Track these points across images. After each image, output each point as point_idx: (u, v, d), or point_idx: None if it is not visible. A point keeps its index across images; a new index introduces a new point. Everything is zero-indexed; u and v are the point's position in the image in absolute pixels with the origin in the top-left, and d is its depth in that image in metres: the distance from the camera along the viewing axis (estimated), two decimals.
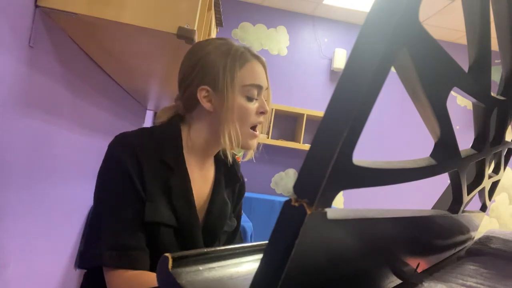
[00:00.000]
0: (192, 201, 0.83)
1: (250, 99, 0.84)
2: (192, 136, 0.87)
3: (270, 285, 0.22)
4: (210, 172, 0.93)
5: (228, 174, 0.96)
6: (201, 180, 0.89)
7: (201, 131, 0.87)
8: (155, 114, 2.95)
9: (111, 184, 0.78)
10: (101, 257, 0.73)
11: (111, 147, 0.80)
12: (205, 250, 0.33)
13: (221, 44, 0.84)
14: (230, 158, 0.93)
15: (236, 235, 1.03)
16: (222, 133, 0.81)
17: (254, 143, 0.87)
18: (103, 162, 0.80)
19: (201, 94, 0.83)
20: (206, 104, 0.83)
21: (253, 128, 0.86)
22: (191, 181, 0.84)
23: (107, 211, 0.77)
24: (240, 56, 0.83)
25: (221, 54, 0.82)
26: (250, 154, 0.93)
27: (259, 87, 0.85)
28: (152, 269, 0.76)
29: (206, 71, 0.82)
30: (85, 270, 0.89)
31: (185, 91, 0.86)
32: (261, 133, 0.92)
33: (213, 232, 0.87)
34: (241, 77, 0.82)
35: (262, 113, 0.86)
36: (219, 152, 0.94)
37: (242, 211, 1.09)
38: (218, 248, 0.35)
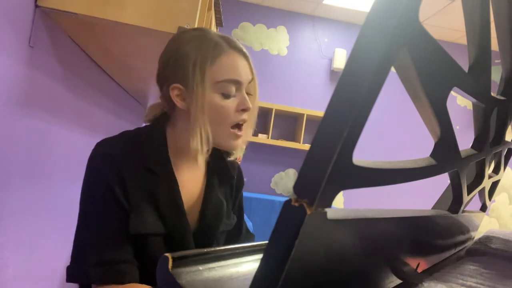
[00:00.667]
0: (180, 206, 0.79)
1: (226, 96, 0.75)
2: (176, 137, 0.81)
3: (270, 285, 0.22)
4: (200, 172, 0.88)
5: (220, 172, 0.90)
6: (191, 182, 0.85)
7: (182, 131, 0.80)
8: None
9: (93, 198, 0.75)
10: (88, 275, 0.71)
11: (91, 158, 0.76)
12: (205, 250, 0.33)
13: (194, 36, 0.77)
14: (204, 156, 0.80)
15: (241, 229, 0.99)
16: (190, 134, 0.74)
17: (237, 143, 0.79)
18: (85, 173, 0.77)
19: (174, 93, 0.76)
20: (179, 103, 0.77)
21: (236, 127, 0.78)
22: (180, 184, 0.80)
23: (91, 226, 0.74)
24: (214, 48, 0.74)
25: (193, 48, 0.75)
26: (237, 154, 0.87)
27: (237, 82, 0.76)
28: (142, 280, 0.74)
29: (177, 67, 0.76)
30: None
31: (161, 89, 0.80)
32: (250, 130, 0.84)
33: (209, 234, 0.84)
34: (213, 72, 0.74)
35: (243, 110, 0.77)
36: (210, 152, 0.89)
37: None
38: (218, 248, 0.35)
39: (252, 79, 0.80)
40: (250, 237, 1.03)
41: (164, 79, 0.79)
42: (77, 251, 0.75)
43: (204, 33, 0.77)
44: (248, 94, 0.79)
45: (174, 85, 0.76)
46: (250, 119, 0.81)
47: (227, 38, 0.78)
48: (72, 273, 0.75)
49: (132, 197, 0.74)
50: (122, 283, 0.72)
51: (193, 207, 0.84)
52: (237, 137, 0.79)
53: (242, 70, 0.77)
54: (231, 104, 0.76)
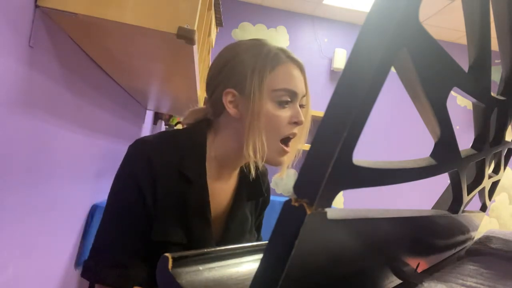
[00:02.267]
0: (209, 218, 0.76)
1: (281, 105, 0.74)
2: (217, 145, 0.79)
3: (270, 285, 0.22)
4: (231, 184, 0.85)
5: (251, 187, 0.87)
6: (221, 193, 0.82)
7: (227, 140, 0.78)
8: (155, 114, 2.94)
9: (121, 195, 0.74)
10: (100, 274, 0.71)
11: (129, 156, 0.75)
12: (205, 250, 0.33)
13: (252, 44, 0.77)
14: (253, 172, 0.78)
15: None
16: (245, 143, 0.72)
17: (283, 159, 0.77)
18: (119, 169, 0.76)
19: (227, 98, 0.75)
20: (231, 110, 0.75)
21: (284, 141, 0.76)
22: (210, 195, 0.77)
23: (114, 226, 0.73)
24: (273, 58, 0.74)
25: (251, 55, 0.74)
26: (283, 171, 0.81)
27: (293, 93, 0.74)
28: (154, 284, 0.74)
29: (234, 73, 0.75)
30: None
31: (211, 95, 0.79)
32: (298, 147, 0.81)
33: None
34: (271, 80, 0.73)
35: (296, 123, 0.75)
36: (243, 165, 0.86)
37: None
38: (218, 248, 0.35)
39: (306, 93, 0.78)
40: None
41: (216, 84, 0.77)
42: (95, 248, 0.75)
43: (262, 43, 0.77)
44: (300, 106, 0.78)
45: (229, 90, 0.75)
46: (300, 135, 0.79)
47: (285, 49, 0.77)
48: (86, 270, 0.75)
49: (161, 204, 0.72)
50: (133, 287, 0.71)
51: (218, 218, 0.82)
52: (284, 152, 0.76)
53: (299, 82, 0.76)
54: (284, 114, 0.74)
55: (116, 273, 0.71)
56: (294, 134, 0.76)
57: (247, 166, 0.84)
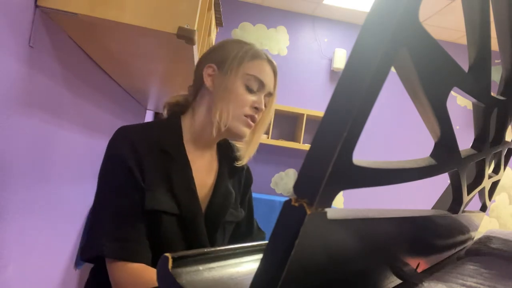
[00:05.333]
0: (194, 189, 0.84)
1: (249, 89, 0.85)
2: (194, 123, 0.88)
3: (270, 285, 0.22)
4: (213, 163, 0.94)
5: (231, 165, 0.96)
6: (204, 170, 0.90)
7: (201, 114, 0.88)
8: (155, 114, 2.94)
9: (111, 177, 0.79)
10: (102, 248, 0.74)
11: (111, 142, 0.82)
12: (205, 250, 0.33)
13: (239, 41, 0.89)
14: (214, 132, 0.86)
15: (253, 227, 1.04)
16: (213, 109, 0.83)
17: (245, 131, 0.87)
18: (104, 156, 0.82)
19: (207, 71, 0.86)
20: (207, 81, 0.86)
21: (249, 117, 0.86)
22: (193, 171, 0.85)
23: (108, 203, 0.78)
24: (254, 53, 0.86)
25: (237, 46, 0.87)
26: (248, 155, 0.93)
27: (261, 83, 0.86)
28: (154, 261, 0.77)
29: (218, 53, 0.87)
30: (86, 269, 0.89)
31: (196, 71, 0.90)
32: (258, 136, 0.92)
33: (216, 220, 0.88)
34: (247, 67, 0.85)
35: (256, 108, 0.86)
36: (221, 145, 0.96)
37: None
38: (218, 248, 0.35)
39: (272, 95, 0.91)
40: (261, 234, 1.08)
41: (201, 62, 0.89)
42: (92, 228, 0.79)
43: (248, 43, 0.90)
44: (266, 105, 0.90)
45: (210, 65, 0.86)
46: (260, 124, 0.91)
47: (266, 51, 0.90)
48: (85, 249, 0.77)
49: (148, 177, 0.79)
50: (135, 261, 0.74)
51: (203, 193, 0.88)
52: (249, 125, 0.87)
53: (269, 79, 0.88)
54: (249, 97, 0.86)
55: (117, 245, 0.74)
56: (254, 118, 0.87)
57: (223, 144, 0.96)
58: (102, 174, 0.81)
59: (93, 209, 0.81)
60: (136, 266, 0.74)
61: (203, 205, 0.87)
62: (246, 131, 0.87)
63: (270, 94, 0.90)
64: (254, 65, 0.85)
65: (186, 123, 0.89)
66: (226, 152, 0.96)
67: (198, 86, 0.89)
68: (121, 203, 0.77)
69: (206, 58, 0.89)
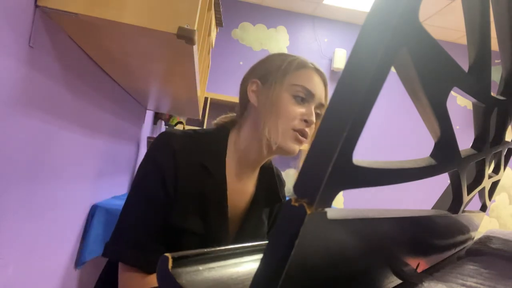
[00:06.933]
0: (226, 212, 0.80)
1: (296, 100, 0.79)
2: (239, 140, 0.84)
3: (270, 285, 0.22)
4: (250, 186, 0.88)
5: (269, 192, 0.90)
6: (239, 193, 0.85)
7: (247, 132, 0.83)
8: (155, 114, 2.94)
9: (144, 182, 0.78)
10: (120, 254, 0.74)
11: (154, 144, 0.79)
12: (205, 250, 0.33)
13: (285, 53, 0.86)
14: (265, 150, 0.82)
15: None
16: (261, 125, 0.77)
17: (295, 148, 0.80)
18: (144, 159, 0.80)
19: (251, 87, 0.83)
20: (252, 97, 0.82)
21: (299, 132, 0.79)
22: (229, 193, 0.81)
23: (136, 209, 0.77)
24: (299, 62, 0.81)
25: (281, 58, 0.83)
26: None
27: (309, 93, 0.79)
28: None
29: (261, 68, 0.84)
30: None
31: (240, 90, 0.87)
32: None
33: None
34: (293, 77, 0.79)
35: (306, 121, 0.79)
36: (265, 170, 0.90)
37: None
38: (218, 248, 0.35)
39: (324, 106, 0.83)
40: None
41: (245, 79, 0.86)
42: (117, 230, 0.78)
43: (293, 54, 0.85)
44: (317, 116, 0.82)
45: (254, 80, 0.83)
46: (310, 140, 0.83)
47: (313, 62, 0.84)
48: (107, 249, 0.78)
49: (182, 191, 0.77)
50: (148, 272, 0.74)
51: (234, 218, 0.84)
52: (298, 141, 0.80)
53: (318, 89, 0.81)
54: (297, 109, 0.79)
55: (137, 254, 0.74)
56: (304, 132, 0.79)
57: (266, 169, 0.89)
58: (137, 175, 0.80)
59: (122, 210, 0.79)
60: (148, 279, 0.73)
61: (233, 229, 0.83)
62: (295, 147, 0.80)
63: (321, 106, 0.82)
64: (301, 75, 0.80)
65: (232, 139, 0.85)
66: (267, 179, 0.90)
67: (244, 104, 0.85)
68: (148, 212, 0.76)
69: (249, 75, 0.85)
